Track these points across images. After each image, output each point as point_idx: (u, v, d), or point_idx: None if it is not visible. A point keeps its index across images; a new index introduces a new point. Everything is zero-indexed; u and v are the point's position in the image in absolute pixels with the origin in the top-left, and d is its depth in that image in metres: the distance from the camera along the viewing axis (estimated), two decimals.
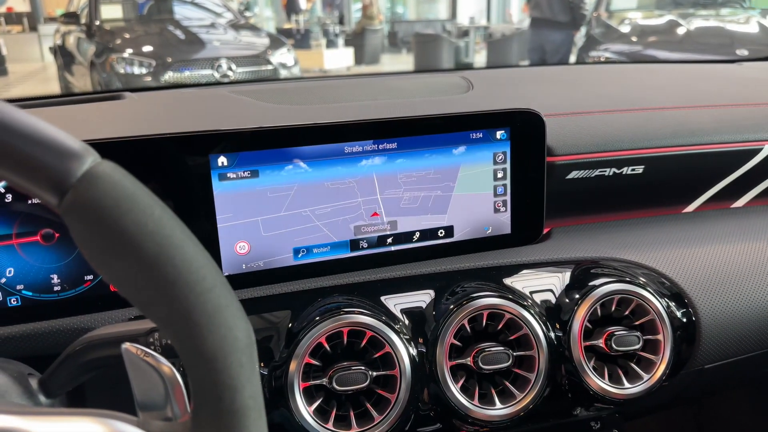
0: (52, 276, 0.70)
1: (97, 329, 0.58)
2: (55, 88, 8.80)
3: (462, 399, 0.74)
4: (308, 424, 0.69)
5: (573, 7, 5.35)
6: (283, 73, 6.47)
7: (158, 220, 0.36)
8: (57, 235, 0.69)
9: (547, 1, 5.46)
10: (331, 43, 11.89)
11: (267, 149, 0.73)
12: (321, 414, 0.71)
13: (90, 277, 0.71)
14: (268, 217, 0.75)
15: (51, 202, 0.35)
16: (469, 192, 0.83)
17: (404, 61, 12.54)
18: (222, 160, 0.72)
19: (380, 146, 0.78)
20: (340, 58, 11.41)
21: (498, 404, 0.75)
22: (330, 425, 0.70)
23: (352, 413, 0.72)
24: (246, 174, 0.73)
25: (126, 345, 0.45)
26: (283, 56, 6.59)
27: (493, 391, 0.76)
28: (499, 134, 0.83)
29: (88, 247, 0.35)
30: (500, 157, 0.84)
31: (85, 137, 0.66)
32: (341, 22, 13.93)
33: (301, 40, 11.77)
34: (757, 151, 0.98)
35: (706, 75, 1.36)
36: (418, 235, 0.82)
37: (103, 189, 0.35)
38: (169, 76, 5.94)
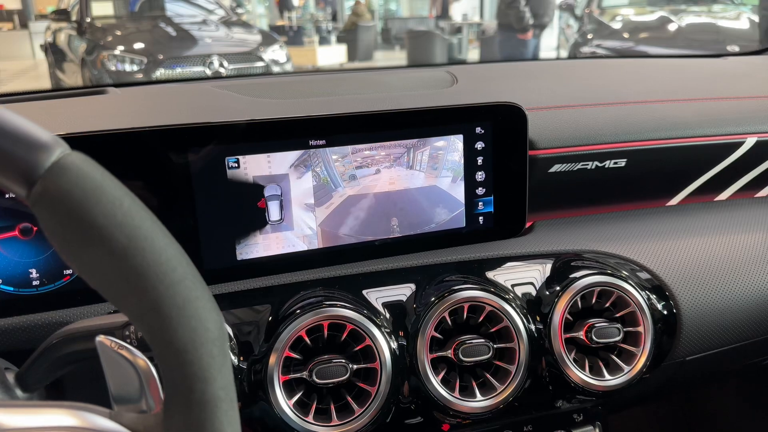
0: (30, 270, 0.70)
1: (74, 323, 0.58)
2: (46, 85, 8.76)
3: (442, 391, 0.74)
4: (288, 418, 0.69)
5: (517, 14, 5.35)
6: (276, 70, 6.45)
7: (127, 211, 0.36)
8: (35, 229, 0.69)
9: (504, 7, 5.49)
10: (323, 40, 11.86)
11: (246, 142, 0.73)
12: (301, 407, 0.71)
13: (69, 271, 0.71)
14: (248, 209, 0.75)
15: (20, 193, 0.35)
16: (451, 185, 0.83)
17: (398, 57, 12.52)
18: (201, 153, 0.72)
19: (363, 140, 0.78)
20: (333, 55, 11.39)
21: (479, 396, 0.76)
22: (310, 418, 0.70)
23: (332, 406, 0.72)
24: (225, 166, 0.73)
25: (100, 338, 0.45)
26: (276, 53, 6.57)
27: (474, 384, 0.77)
28: (481, 128, 0.83)
29: (57, 239, 0.35)
30: (482, 151, 0.84)
31: (63, 131, 0.67)
32: (334, 18, 13.90)
33: (293, 37, 11.73)
34: (739, 144, 0.99)
35: (690, 69, 1.37)
36: (399, 228, 0.83)
37: (71, 180, 0.35)
38: (160, 73, 5.92)
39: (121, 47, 6.11)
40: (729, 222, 0.98)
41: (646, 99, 1.03)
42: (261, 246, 0.77)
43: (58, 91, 1.09)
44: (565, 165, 0.91)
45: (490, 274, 0.83)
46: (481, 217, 0.86)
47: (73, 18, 6.72)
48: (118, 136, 0.69)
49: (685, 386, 1.21)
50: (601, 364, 0.81)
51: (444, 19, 12.31)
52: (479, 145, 0.83)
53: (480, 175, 0.84)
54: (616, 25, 6.21)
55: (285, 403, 0.70)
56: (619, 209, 0.99)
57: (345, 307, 0.73)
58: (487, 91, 1.09)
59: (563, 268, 0.85)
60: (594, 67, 1.44)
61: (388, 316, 0.77)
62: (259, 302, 0.76)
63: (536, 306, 0.81)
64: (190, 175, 0.72)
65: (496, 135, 0.84)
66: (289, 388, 0.71)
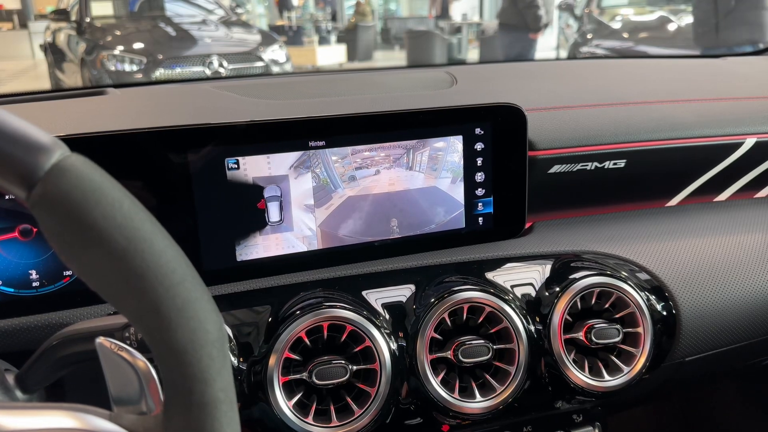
0: (30, 272, 0.70)
1: (74, 324, 0.58)
2: (45, 85, 8.76)
3: (442, 392, 0.74)
4: (288, 419, 0.69)
5: (536, 14, 5.34)
6: (275, 69, 6.44)
7: (127, 212, 0.36)
8: (35, 230, 0.69)
9: (507, 5, 5.49)
10: (323, 40, 11.86)
11: (245, 143, 0.73)
12: (301, 408, 0.71)
13: (69, 272, 0.71)
14: (247, 210, 0.75)
15: (20, 195, 0.35)
16: (451, 186, 0.83)
17: (397, 57, 12.50)
18: (200, 154, 0.72)
19: (363, 141, 0.78)
20: (332, 55, 11.40)
21: (478, 397, 0.76)
22: (310, 419, 0.70)
23: (332, 407, 0.72)
24: (225, 167, 0.73)
25: (100, 339, 0.45)
26: (275, 53, 6.57)
27: (474, 385, 0.77)
28: (480, 129, 0.83)
29: (56, 241, 0.35)
30: (482, 152, 0.84)
31: (63, 132, 0.67)
32: (334, 18, 13.90)
33: (293, 37, 11.72)
34: (738, 145, 0.99)
35: (690, 70, 1.37)
36: (398, 229, 0.83)
37: (71, 182, 0.35)
38: (160, 73, 5.91)
39: (121, 47, 6.11)
40: (728, 223, 0.98)
41: (646, 100, 1.03)
42: (261, 247, 0.77)
43: (57, 92, 1.09)
44: (564, 166, 0.91)
45: (489, 275, 0.83)
46: (480, 218, 0.86)
47: (73, 18, 6.71)
48: (117, 137, 0.69)
49: (685, 387, 1.22)
50: (600, 364, 0.81)
51: (444, 19, 12.30)
52: (479, 146, 0.83)
53: (479, 176, 0.84)
54: (616, 25, 6.21)
55: (285, 404, 0.70)
56: (618, 210, 0.99)
57: (345, 308, 0.73)
58: (487, 92, 1.09)
59: (563, 268, 0.85)
60: (593, 68, 1.44)
61: (387, 317, 0.77)
62: (259, 303, 0.76)
63: (536, 307, 0.81)
64: (190, 176, 0.72)
65: (496, 136, 0.84)
66: (289, 389, 0.71)
